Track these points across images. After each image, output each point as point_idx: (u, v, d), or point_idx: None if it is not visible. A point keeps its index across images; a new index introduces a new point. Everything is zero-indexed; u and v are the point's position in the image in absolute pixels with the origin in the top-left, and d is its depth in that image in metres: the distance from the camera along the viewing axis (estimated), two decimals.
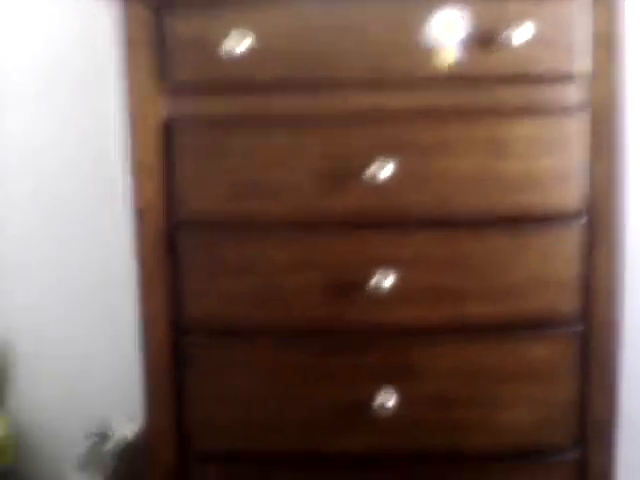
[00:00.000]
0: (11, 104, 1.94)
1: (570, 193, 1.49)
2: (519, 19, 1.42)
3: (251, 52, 1.44)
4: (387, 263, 1.49)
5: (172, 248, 1.52)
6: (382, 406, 1.52)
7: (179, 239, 1.52)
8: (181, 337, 1.54)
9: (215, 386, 1.55)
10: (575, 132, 1.47)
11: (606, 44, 1.45)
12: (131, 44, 1.46)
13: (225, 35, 1.44)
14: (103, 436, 1.86)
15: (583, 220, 1.49)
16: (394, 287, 1.49)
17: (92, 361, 2.03)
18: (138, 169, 1.49)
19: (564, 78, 1.47)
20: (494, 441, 1.55)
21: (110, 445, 1.84)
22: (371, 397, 1.52)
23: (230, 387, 1.55)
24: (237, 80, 1.47)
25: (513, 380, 1.53)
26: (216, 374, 1.55)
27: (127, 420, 1.87)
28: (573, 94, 1.47)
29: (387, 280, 1.48)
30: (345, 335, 1.54)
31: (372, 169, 1.46)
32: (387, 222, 1.50)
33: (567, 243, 1.50)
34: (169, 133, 1.49)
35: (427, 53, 1.44)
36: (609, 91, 1.46)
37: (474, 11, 1.42)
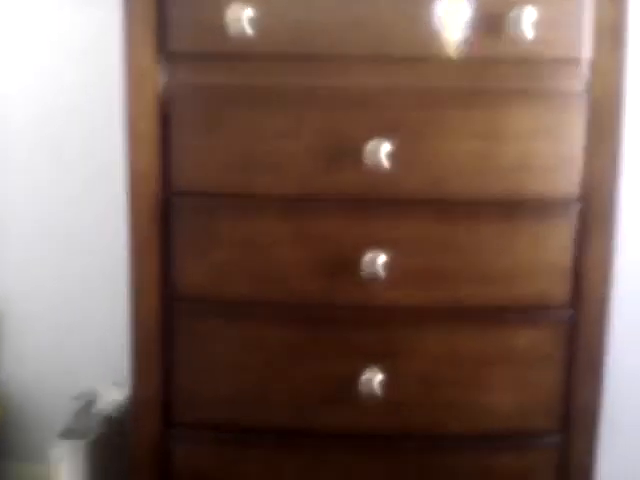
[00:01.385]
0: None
1: (567, 180, 1.49)
2: (523, 3, 1.41)
3: (251, 24, 1.43)
4: (380, 243, 1.49)
5: (166, 218, 1.51)
6: (368, 384, 1.53)
7: (173, 209, 1.51)
8: (171, 306, 1.54)
9: (203, 357, 1.55)
10: (575, 119, 1.47)
11: (610, 32, 1.44)
12: (129, 14, 1.45)
13: (226, 6, 1.42)
14: (89, 401, 1.86)
15: (578, 207, 1.49)
16: (386, 267, 1.49)
17: (81, 327, 2.03)
18: (134, 138, 1.48)
19: (566, 64, 1.46)
20: (478, 423, 1.56)
21: (96, 410, 1.84)
22: (358, 374, 1.53)
23: (218, 358, 1.55)
24: (237, 52, 1.45)
25: (500, 363, 1.54)
26: (204, 345, 1.55)
27: (113, 386, 1.88)
28: (574, 80, 1.46)
29: (379, 260, 1.48)
30: (335, 312, 1.54)
31: (370, 148, 1.45)
32: (382, 202, 1.50)
33: (561, 230, 1.50)
34: (167, 103, 1.48)
35: (431, 34, 1.42)
36: (611, 79, 1.46)
37: None
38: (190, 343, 1.55)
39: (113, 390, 1.87)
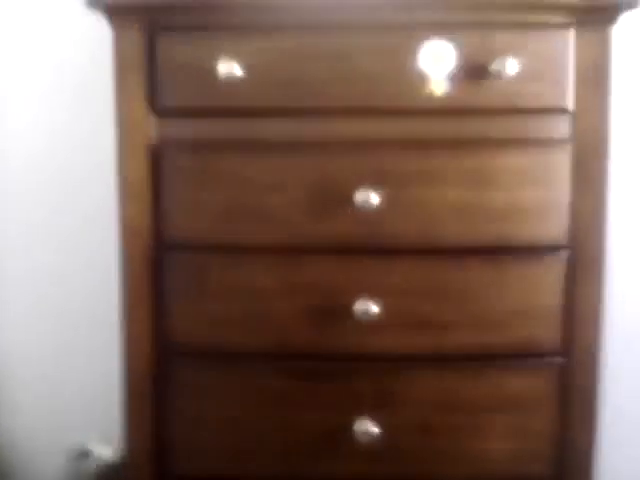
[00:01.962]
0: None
1: (554, 225, 1.50)
2: (507, 52, 1.45)
3: (241, 78, 1.46)
4: (371, 290, 1.50)
5: (158, 270, 1.52)
6: (364, 433, 1.53)
7: (166, 261, 1.52)
8: (164, 358, 1.54)
9: (197, 409, 1.55)
10: (560, 165, 1.49)
11: (593, 80, 1.47)
12: (122, 66, 1.48)
13: (216, 61, 1.45)
14: (83, 457, 1.85)
15: (566, 252, 1.51)
16: (378, 314, 1.50)
17: (73, 381, 2.02)
18: (126, 190, 1.50)
19: (550, 111, 1.49)
20: (474, 470, 1.55)
21: (89, 466, 1.83)
22: (353, 424, 1.53)
23: (211, 409, 1.55)
24: (226, 106, 1.48)
25: (494, 410, 1.54)
26: (198, 397, 1.55)
27: (106, 441, 1.87)
28: (559, 127, 1.49)
29: (371, 307, 1.49)
30: (329, 361, 1.54)
31: (359, 197, 1.47)
32: (372, 250, 1.51)
33: (550, 275, 1.51)
34: (158, 156, 1.50)
35: (415, 83, 1.45)
36: (595, 127, 1.49)
37: (463, 43, 1.44)
38: (183, 394, 1.55)
39: (105, 446, 1.86)
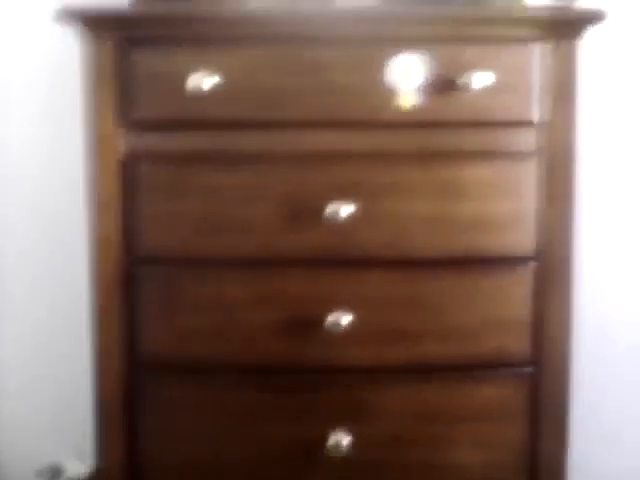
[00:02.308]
0: None
1: (523, 237, 1.52)
2: (475, 65, 1.46)
3: (213, 90, 1.46)
4: (344, 302, 1.51)
5: (130, 283, 1.52)
6: (336, 446, 1.53)
7: (137, 274, 1.52)
8: (136, 373, 1.54)
9: (169, 423, 1.55)
10: (528, 177, 1.51)
11: (560, 93, 1.49)
12: (93, 79, 1.48)
13: (187, 73, 1.45)
14: (54, 473, 1.84)
15: (535, 263, 1.52)
16: (350, 326, 1.50)
17: (44, 396, 2.00)
18: (97, 203, 1.50)
19: (520, 124, 1.50)
20: None
21: None
22: (325, 437, 1.53)
23: (184, 425, 1.55)
24: (199, 118, 1.49)
25: (465, 421, 1.55)
26: (170, 411, 1.54)
27: (78, 457, 1.85)
28: (528, 140, 1.50)
29: (343, 319, 1.50)
30: (301, 374, 1.54)
31: (331, 209, 1.48)
32: (344, 261, 1.52)
33: (519, 286, 1.53)
34: (129, 169, 1.50)
35: (387, 96, 1.47)
36: (562, 139, 1.50)
37: (433, 56, 1.46)
38: (155, 408, 1.54)
39: (77, 462, 1.85)
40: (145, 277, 1.52)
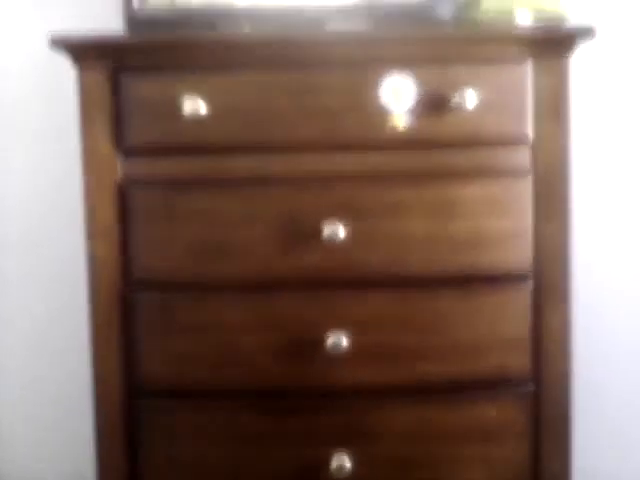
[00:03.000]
0: None
1: (520, 254, 1.52)
2: (466, 85, 1.47)
3: (205, 116, 1.48)
4: (341, 323, 1.51)
5: (127, 308, 1.52)
6: (339, 469, 1.52)
7: (134, 299, 1.52)
8: (135, 399, 1.54)
9: (168, 448, 1.54)
10: (523, 194, 1.51)
11: (552, 110, 1.50)
12: (87, 106, 1.49)
13: (181, 99, 1.47)
14: None
15: (533, 281, 1.52)
16: (348, 347, 1.50)
17: (45, 422, 2.00)
18: (93, 228, 1.51)
19: (511, 142, 1.51)
20: None
21: None
22: (328, 459, 1.52)
23: (183, 449, 1.54)
24: (192, 143, 1.50)
25: (467, 440, 1.54)
26: (169, 436, 1.54)
27: None
28: (522, 158, 1.51)
29: (342, 340, 1.50)
30: (301, 396, 1.54)
31: (325, 230, 1.49)
32: (341, 283, 1.52)
33: (517, 303, 1.53)
34: (125, 194, 1.51)
35: (378, 117, 1.48)
36: (555, 155, 1.51)
37: (423, 77, 1.47)
38: (154, 433, 1.54)
39: None
40: (142, 302, 1.52)
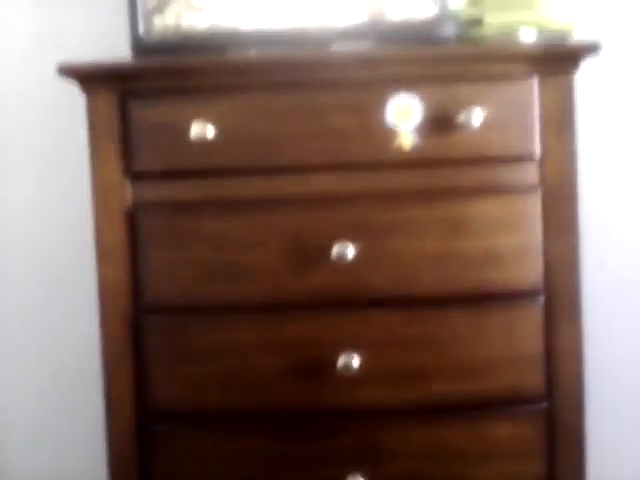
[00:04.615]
0: None
1: (530, 270, 1.52)
2: (472, 103, 1.48)
3: (214, 139, 1.48)
4: (353, 344, 1.51)
5: (138, 332, 1.52)
6: None
7: (145, 323, 1.52)
8: (147, 423, 1.54)
9: (182, 472, 1.54)
10: (531, 210, 1.51)
11: (557, 124, 1.50)
12: (96, 131, 1.50)
13: (188, 123, 1.48)
14: None
15: (544, 297, 1.52)
16: (361, 368, 1.50)
17: (58, 447, 2.00)
18: (103, 254, 1.51)
19: (518, 159, 1.51)
20: None
21: None
22: None
23: (197, 473, 1.54)
24: (200, 166, 1.50)
25: (482, 460, 1.53)
26: (183, 461, 1.53)
27: None
28: (530, 174, 1.51)
29: (354, 361, 1.50)
30: (314, 418, 1.54)
31: (336, 251, 1.49)
32: (352, 302, 1.52)
33: (529, 320, 1.52)
34: (134, 218, 1.51)
35: (385, 137, 1.48)
36: (562, 171, 1.51)
37: (428, 95, 1.47)
38: (167, 458, 1.54)
39: None
40: (153, 325, 1.53)
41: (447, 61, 1.51)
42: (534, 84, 1.49)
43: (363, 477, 1.52)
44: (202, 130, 1.47)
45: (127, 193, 1.51)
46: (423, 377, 1.52)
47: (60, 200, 1.92)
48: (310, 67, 1.50)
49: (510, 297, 1.52)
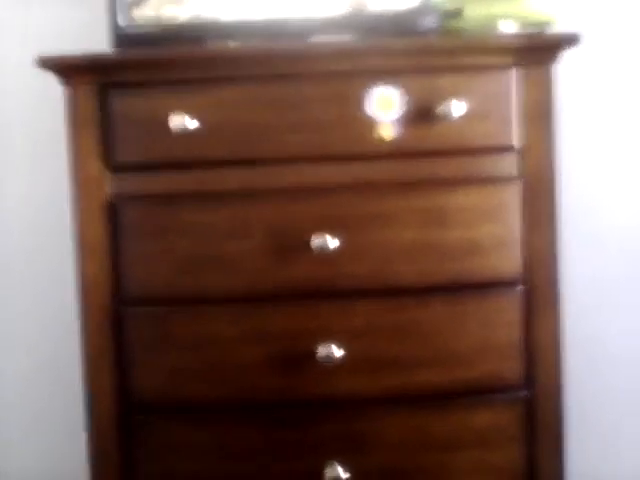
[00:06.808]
0: None
1: (509, 261, 1.53)
2: (452, 94, 1.48)
3: (195, 131, 1.48)
4: (333, 334, 1.51)
5: (119, 324, 1.52)
6: (334, 479, 1.52)
7: (126, 315, 1.52)
8: (128, 414, 1.54)
9: (164, 464, 1.54)
10: (512, 201, 1.52)
11: (537, 115, 1.51)
12: (75, 124, 1.49)
13: (168, 115, 1.47)
14: None
15: (523, 287, 1.53)
16: (341, 358, 1.51)
17: (38, 438, 2.00)
18: (83, 247, 1.51)
19: (498, 150, 1.52)
20: None
21: None
22: (323, 470, 1.53)
23: (179, 465, 1.54)
24: (181, 158, 1.50)
25: (461, 448, 1.55)
26: (165, 451, 1.54)
27: None
28: (509, 165, 1.52)
29: (334, 351, 1.50)
30: (295, 408, 1.54)
31: (316, 242, 1.49)
32: (333, 293, 1.53)
33: (508, 310, 1.54)
34: (115, 211, 1.51)
35: (365, 128, 1.48)
36: (542, 163, 1.52)
37: (409, 87, 1.48)
38: (149, 449, 1.54)
39: None
40: (134, 317, 1.52)
41: (428, 53, 1.51)
42: (514, 75, 1.50)
43: (344, 466, 1.53)
44: (182, 122, 1.47)
45: (108, 186, 1.51)
46: (403, 366, 1.53)
47: (47, 195, 1.91)
48: (291, 59, 1.50)
49: (490, 287, 1.53)
